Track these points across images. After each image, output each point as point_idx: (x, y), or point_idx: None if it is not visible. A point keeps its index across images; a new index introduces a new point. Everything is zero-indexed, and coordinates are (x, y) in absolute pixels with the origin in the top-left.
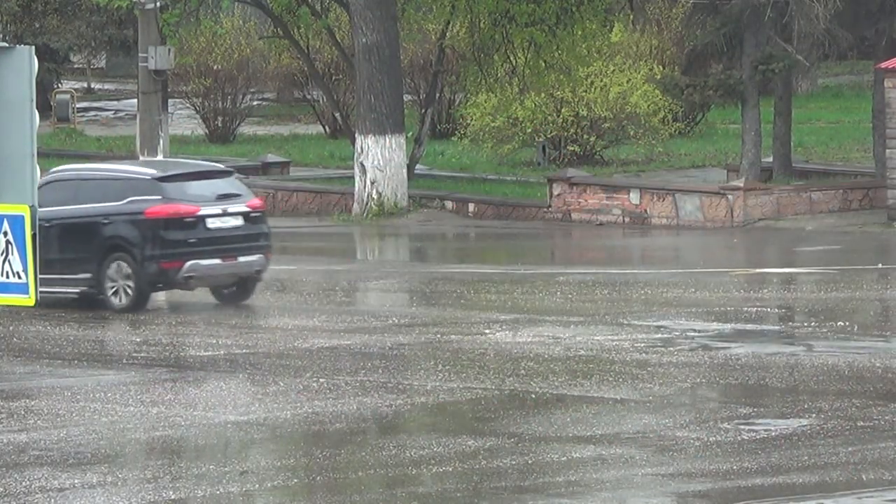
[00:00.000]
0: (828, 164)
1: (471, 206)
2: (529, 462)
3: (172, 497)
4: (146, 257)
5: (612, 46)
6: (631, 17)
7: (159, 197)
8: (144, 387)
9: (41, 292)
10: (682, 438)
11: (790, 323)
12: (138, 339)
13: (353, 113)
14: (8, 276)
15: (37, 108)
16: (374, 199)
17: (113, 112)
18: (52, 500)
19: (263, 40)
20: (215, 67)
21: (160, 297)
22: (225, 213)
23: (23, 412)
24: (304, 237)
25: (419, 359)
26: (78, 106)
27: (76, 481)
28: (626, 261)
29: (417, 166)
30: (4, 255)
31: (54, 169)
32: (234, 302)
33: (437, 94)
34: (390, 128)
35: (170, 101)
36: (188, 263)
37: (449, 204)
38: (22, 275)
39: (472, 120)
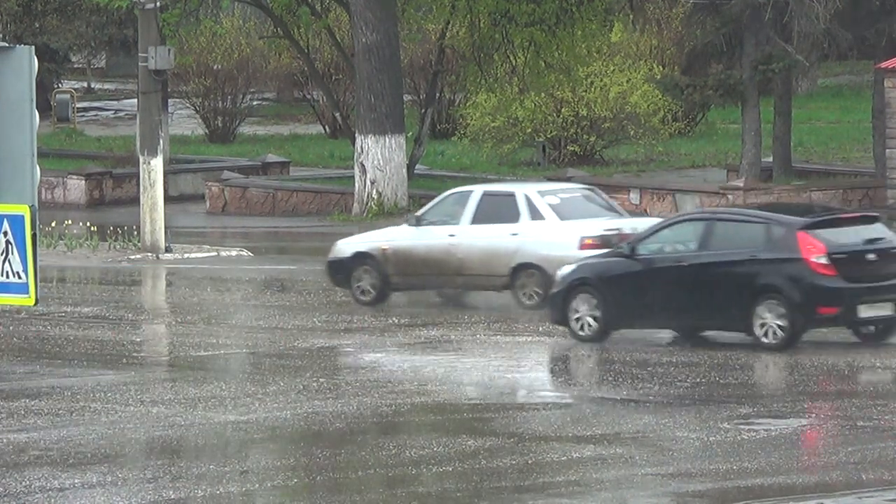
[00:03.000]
0: (828, 164)
1: None
2: (529, 462)
3: (172, 497)
4: None
5: (612, 46)
6: (631, 17)
7: None
8: (144, 387)
9: None
10: (682, 438)
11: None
12: (138, 339)
13: (353, 113)
14: (8, 276)
15: (37, 108)
16: (374, 198)
17: (113, 112)
18: (52, 500)
19: (263, 40)
20: (215, 67)
21: None
22: None
23: (23, 412)
24: (304, 237)
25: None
26: (78, 106)
27: (76, 481)
28: None
29: (417, 166)
30: (4, 255)
31: None
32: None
33: (437, 94)
34: (390, 128)
35: (170, 101)
36: None
37: None
38: (22, 275)
39: (472, 120)
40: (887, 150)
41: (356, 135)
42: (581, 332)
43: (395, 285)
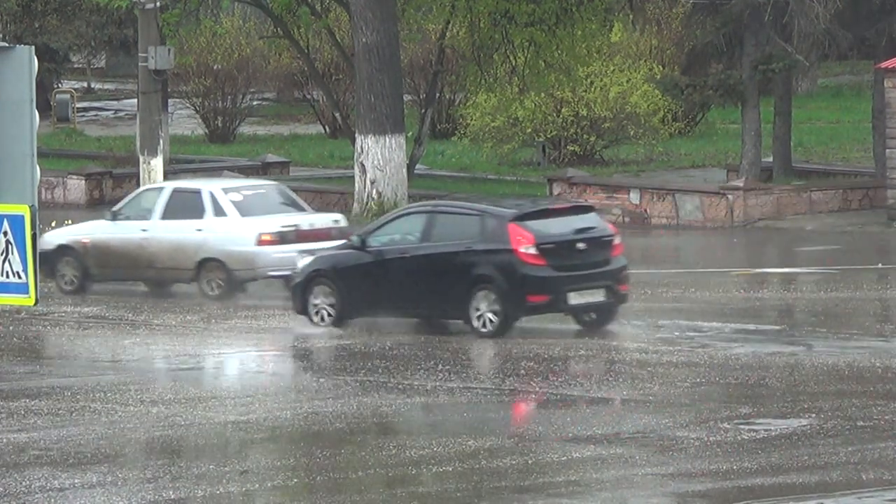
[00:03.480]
0: (828, 164)
1: None
2: (529, 462)
3: (172, 497)
4: None
5: (612, 46)
6: (631, 17)
7: None
8: (144, 387)
9: None
10: (682, 438)
11: (790, 323)
12: (138, 340)
13: (353, 113)
14: (8, 276)
15: (37, 108)
16: (374, 198)
17: (113, 112)
18: (52, 500)
19: (263, 40)
20: (215, 67)
21: None
22: None
23: (23, 412)
24: None
25: (419, 359)
26: (78, 106)
27: (76, 481)
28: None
29: (417, 166)
30: (4, 255)
31: None
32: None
33: (437, 94)
34: (390, 128)
35: (170, 101)
36: None
37: None
38: (22, 275)
39: (472, 120)
40: (887, 150)
41: (356, 135)
42: (319, 322)
43: (95, 277)
